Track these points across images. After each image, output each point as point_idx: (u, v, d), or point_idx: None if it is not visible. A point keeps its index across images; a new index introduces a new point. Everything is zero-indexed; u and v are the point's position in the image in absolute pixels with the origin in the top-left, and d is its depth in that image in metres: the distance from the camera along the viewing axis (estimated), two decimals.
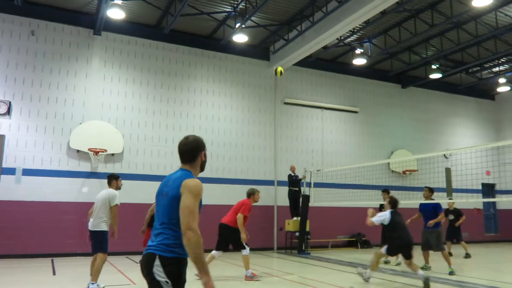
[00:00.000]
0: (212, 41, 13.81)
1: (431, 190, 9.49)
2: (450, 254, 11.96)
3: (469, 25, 13.03)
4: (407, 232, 7.41)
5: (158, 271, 2.53)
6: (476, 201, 16.65)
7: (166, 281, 2.51)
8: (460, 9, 11.70)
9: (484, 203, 17.63)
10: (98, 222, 6.45)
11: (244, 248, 7.82)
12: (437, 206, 9.08)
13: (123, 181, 7.47)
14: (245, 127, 13.96)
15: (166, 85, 13.05)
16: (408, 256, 7.24)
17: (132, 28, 12.79)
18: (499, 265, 11.54)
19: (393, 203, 7.74)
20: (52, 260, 10.30)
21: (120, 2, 10.79)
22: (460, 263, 10.85)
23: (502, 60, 15.65)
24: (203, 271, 2.51)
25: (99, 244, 6.46)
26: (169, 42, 13.19)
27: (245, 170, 13.63)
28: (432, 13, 12.14)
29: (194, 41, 13.60)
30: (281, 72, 11.03)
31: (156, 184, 11.72)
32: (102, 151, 11.59)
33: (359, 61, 14.27)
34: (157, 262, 2.54)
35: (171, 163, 12.58)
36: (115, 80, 12.44)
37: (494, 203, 18.02)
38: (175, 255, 2.59)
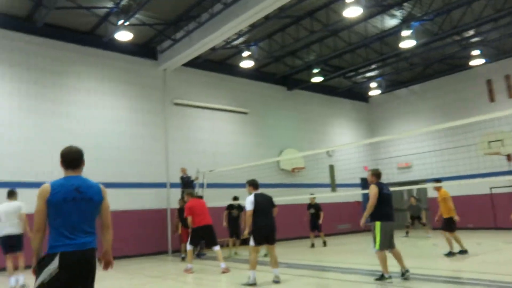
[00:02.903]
0: (93, 37, 12.94)
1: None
2: (313, 245, 13.11)
3: (344, 34, 14.24)
4: (268, 217, 7.16)
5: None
6: (355, 194, 18.26)
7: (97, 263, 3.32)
8: (335, 18, 12.72)
9: (363, 195, 19.33)
10: (18, 227, 7.67)
11: (217, 244, 9.03)
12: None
13: None
14: (134, 129, 13.34)
15: (40, 82, 11.85)
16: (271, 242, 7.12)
17: None
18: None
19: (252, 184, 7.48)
20: None
21: None
22: (336, 251, 11.71)
23: (373, 66, 17.39)
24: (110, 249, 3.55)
25: (22, 243, 7.70)
26: (43, 36, 12.01)
27: (135, 173, 12.99)
28: (311, 21, 13.00)
29: (72, 36, 12.60)
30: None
31: (28, 191, 10.45)
32: None
33: (247, 64, 14.62)
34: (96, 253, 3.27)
35: (50, 169, 11.46)
36: None
37: None
38: None
